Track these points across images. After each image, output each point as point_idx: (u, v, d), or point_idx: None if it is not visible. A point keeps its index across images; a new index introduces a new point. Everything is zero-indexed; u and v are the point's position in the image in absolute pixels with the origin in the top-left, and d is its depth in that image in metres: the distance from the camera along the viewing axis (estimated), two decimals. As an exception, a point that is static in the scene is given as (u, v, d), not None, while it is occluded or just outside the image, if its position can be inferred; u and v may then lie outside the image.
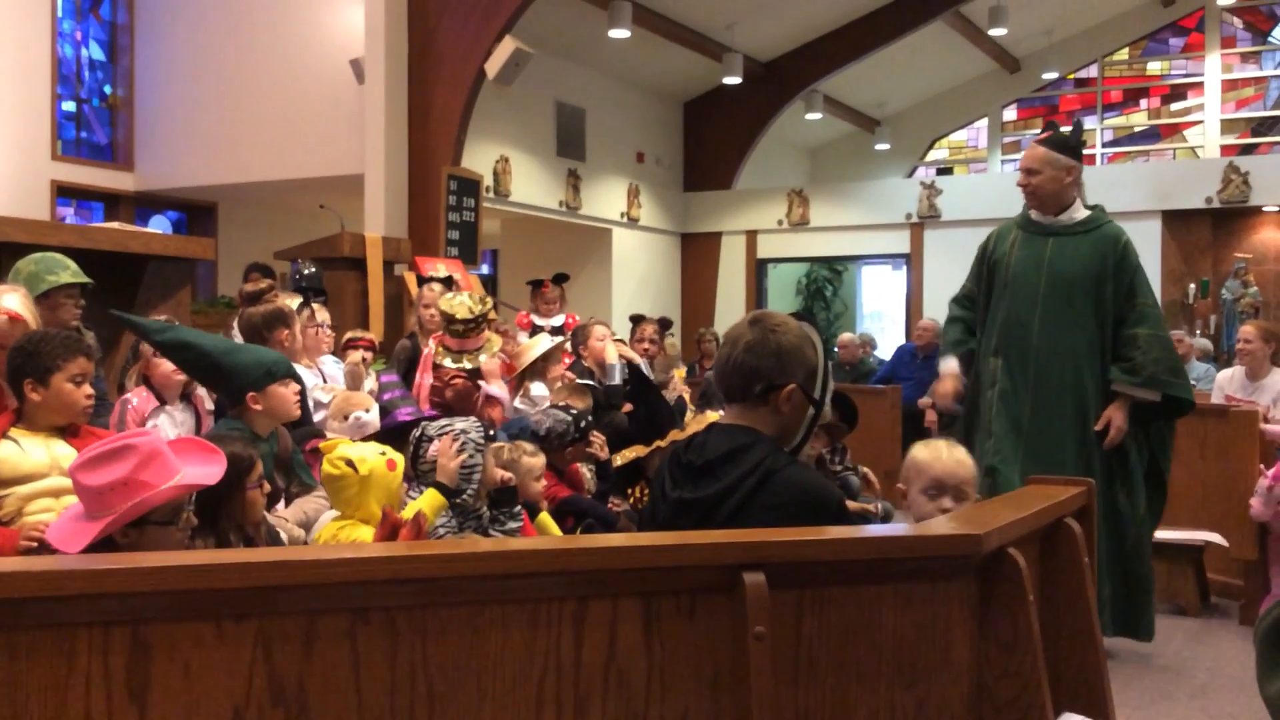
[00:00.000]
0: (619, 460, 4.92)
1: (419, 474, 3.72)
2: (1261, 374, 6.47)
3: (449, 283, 6.41)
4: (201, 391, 4.54)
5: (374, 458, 3.38)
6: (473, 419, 3.92)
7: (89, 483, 2.54)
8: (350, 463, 3.35)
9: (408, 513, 3.43)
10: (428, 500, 3.51)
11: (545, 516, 4.18)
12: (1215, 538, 5.73)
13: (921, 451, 2.81)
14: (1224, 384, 6.77)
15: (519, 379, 5.45)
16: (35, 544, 2.82)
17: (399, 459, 3.49)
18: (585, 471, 4.87)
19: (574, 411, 4.71)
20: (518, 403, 5.35)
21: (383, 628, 1.64)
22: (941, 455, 2.79)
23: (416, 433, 3.83)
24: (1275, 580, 5.41)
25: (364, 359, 6.09)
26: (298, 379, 3.86)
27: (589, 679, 1.73)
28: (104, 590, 1.54)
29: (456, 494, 3.60)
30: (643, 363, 6.20)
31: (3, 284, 4.12)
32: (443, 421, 3.85)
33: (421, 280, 6.44)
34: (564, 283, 7.39)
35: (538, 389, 5.45)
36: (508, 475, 3.80)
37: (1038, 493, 2.41)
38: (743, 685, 1.74)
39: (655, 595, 1.75)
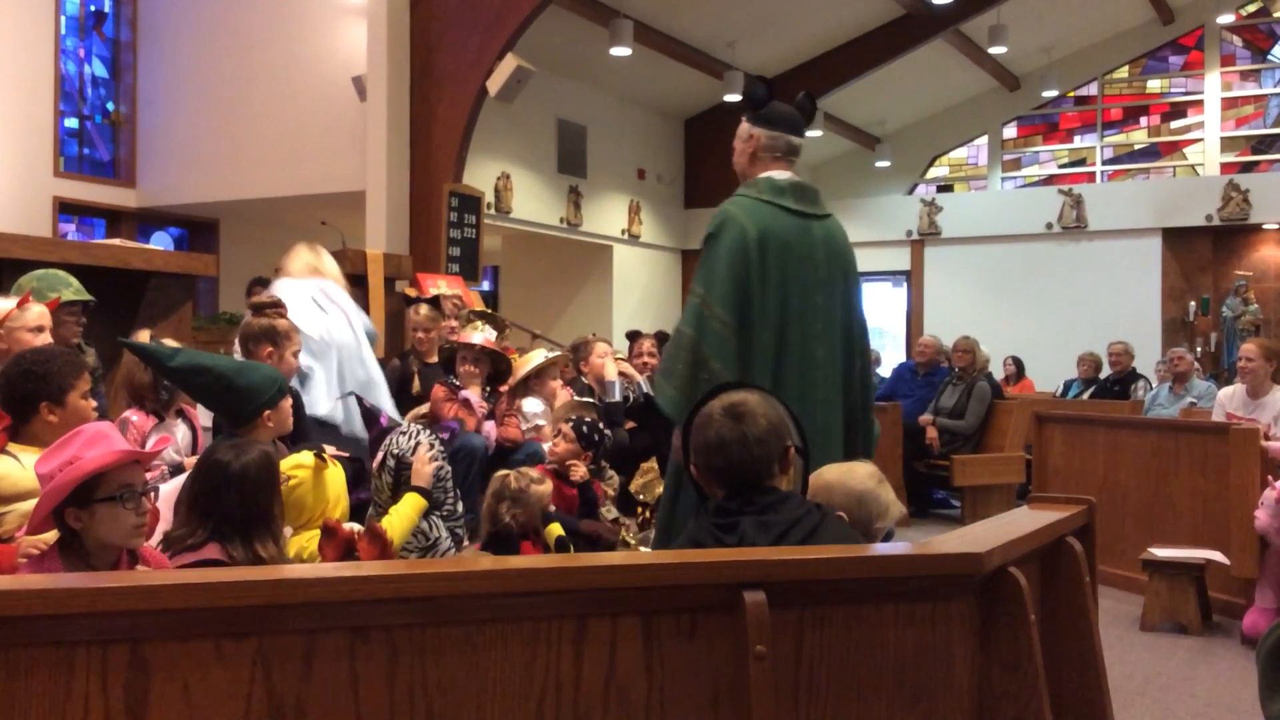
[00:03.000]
0: (639, 485, 4.97)
1: (396, 489, 3.79)
2: (1262, 392, 6.46)
3: (435, 302, 6.41)
4: (199, 408, 4.55)
5: (309, 460, 3.45)
6: (428, 431, 3.97)
7: (42, 471, 2.63)
8: (298, 466, 3.44)
9: (390, 518, 3.48)
10: (409, 503, 3.58)
11: (553, 527, 4.23)
12: (1217, 556, 5.72)
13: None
14: (1225, 402, 6.76)
15: (511, 394, 5.46)
16: (27, 561, 2.82)
17: (326, 460, 3.55)
18: (607, 490, 4.91)
19: (588, 420, 4.80)
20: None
21: (382, 647, 1.64)
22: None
23: (380, 455, 3.89)
24: (1260, 595, 5.42)
25: None
26: (294, 393, 3.89)
27: (589, 698, 1.72)
28: (103, 609, 1.54)
29: (432, 496, 3.69)
30: (642, 380, 6.21)
31: (14, 297, 4.14)
32: (403, 439, 3.90)
33: (408, 301, 6.44)
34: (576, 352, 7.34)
35: (530, 405, 5.45)
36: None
37: (1038, 512, 2.41)
38: (743, 705, 1.74)
39: (655, 614, 1.75)
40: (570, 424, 4.78)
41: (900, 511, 2.80)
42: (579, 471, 4.61)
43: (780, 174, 3.49)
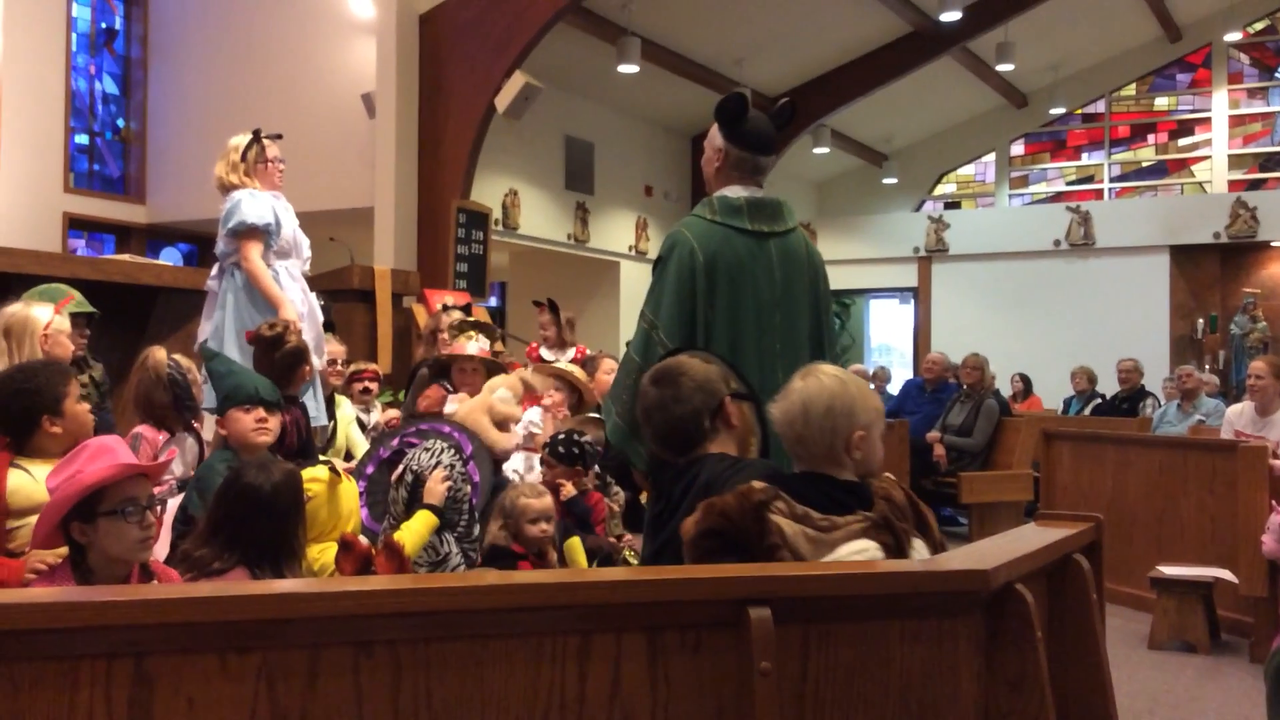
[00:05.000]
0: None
1: (411, 505, 3.78)
2: (1271, 409, 6.44)
3: (468, 310, 6.39)
4: (207, 421, 4.56)
5: (324, 473, 3.46)
6: (454, 450, 3.93)
7: (51, 484, 2.66)
8: (313, 480, 3.44)
9: (402, 533, 3.48)
10: (421, 519, 3.59)
11: (574, 541, 4.21)
12: (1225, 574, 5.69)
13: None
14: (1233, 419, 6.74)
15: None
16: (37, 577, 2.82)
17: (340, 469, 3.57)
18: (612, 506, 4.88)
19: (579, 436, 4.76)
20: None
21: (386, 661, 1.64)
22: None
23: (400, 469, 3.88)
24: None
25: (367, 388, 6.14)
26: (272, 409, 3.83)
27: (593, 714, 1.71)
28: (108, 622, 1.54)
29: (445, 514, 3.69)
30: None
31: (33, 303, 4.19)
32: (425, 455, 3.88)
33: (445, 308, 6.41)
34: (555, 311, 7.25)
35: (531, 412, 5.40)
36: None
37: (1046, 529, 2.40)
38: (748, 722, 1.73)
39: (660, 630, 1.74)
40: (545, 449, 4.75)
41: None
42: (566, 490, 4.57)
43: (737, 192, 3.42)
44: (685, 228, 3.38)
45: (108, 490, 2.60)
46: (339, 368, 5.94)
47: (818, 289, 3.47)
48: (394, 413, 6.06)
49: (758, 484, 2.23)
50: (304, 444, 4.29)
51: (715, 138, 3.48)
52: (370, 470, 4.14)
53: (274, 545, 2.91)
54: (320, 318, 5.25)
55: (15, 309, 4.07)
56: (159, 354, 4.35)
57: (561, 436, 4.74)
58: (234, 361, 4.16)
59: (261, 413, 3.77)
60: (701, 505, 2.22)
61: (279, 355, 4.31)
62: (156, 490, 2.96)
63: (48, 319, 4.05)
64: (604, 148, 13.74)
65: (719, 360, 2.78)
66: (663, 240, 3.43)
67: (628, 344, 3.48)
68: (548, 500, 4.09)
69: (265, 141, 5.19)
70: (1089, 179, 16.80)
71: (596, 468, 4.82)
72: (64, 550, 2.72)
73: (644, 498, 4.90)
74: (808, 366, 2.44)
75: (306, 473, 3.50)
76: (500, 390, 4.97)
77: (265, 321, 4.56)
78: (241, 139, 5.18)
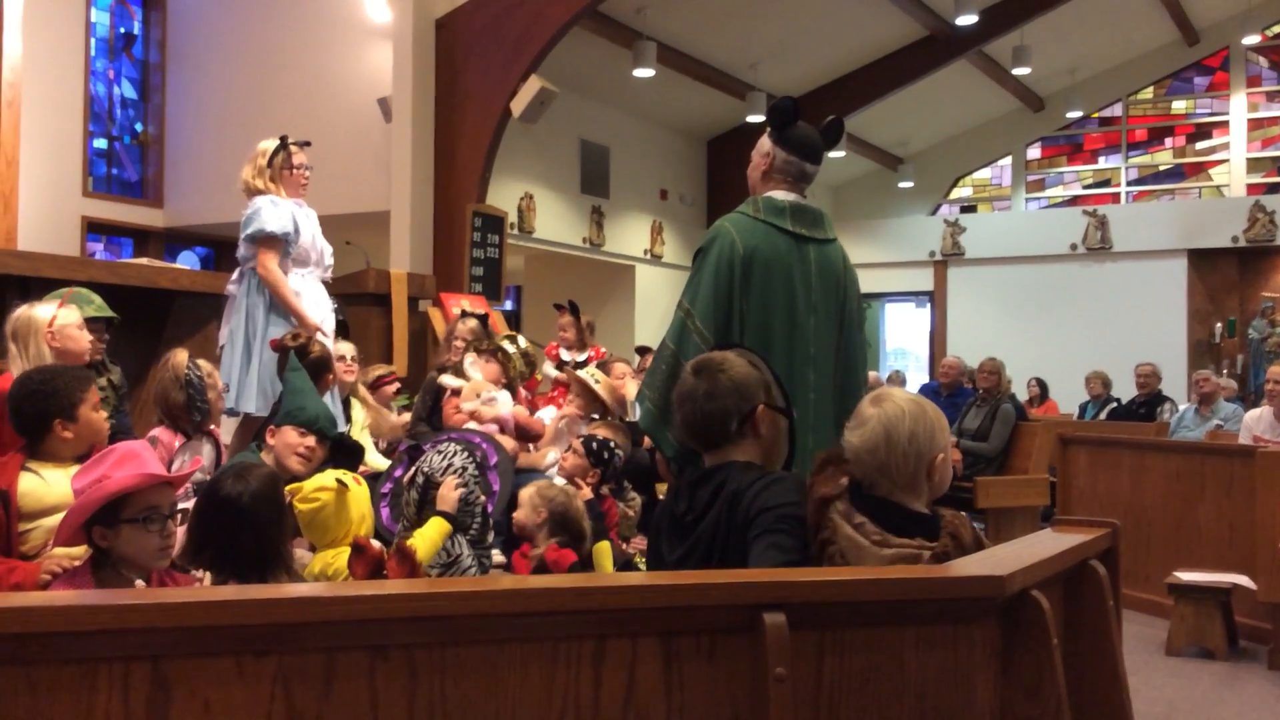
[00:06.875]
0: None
1: (421, 507, 3.79)
2: (1290, 414, 6.41)
3: (484, 320, 6.41)
4: (225, 425, 4.59)
5: (332, 481, 3.47)
6: (467, 453, 3.94)
7: (76, 486, 2.70)
8: (321, 489, 3.46)
9: (414, 540, 3.48)
10: (434, 527, 3.59)
11: (603, 545, 4.21)
12: (1243, 580, 5.66)
13: None
14: (1252, 424, 6.71)
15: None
16: (53, 578, 2.84)
17: (348, 477, 3.57)
18: (627, 511, 4.88)
19: (615, 446, 4.78)
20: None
21: (402, 666, 1.64)
22: None
23: (411, 471, 3.89)
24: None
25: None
26: (323, 443, 3.90)
27: None
28: (126, 626, 1.55)
29: (458, 520, 3.69)
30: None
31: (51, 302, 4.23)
32: (437, 458, 3.89)
33: (463, 314, 6.43)
34: (576, 313, 7.26)
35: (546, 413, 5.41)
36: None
37: (1062, 534, 2.39)
38: (763, 727, 1.73)
39: (675, 635, 1.74)
40: (581, 440, 4.78)
41: None
42: (583, 493, 4.57)
43: (783, 194, 3.46)
44: (728, 221, 3.42)
45: (131, 497, 2.61)
46: (349, 363, 5.93)
47: (846, 305, 3.47)
48: (407, 416, 6.07)
49: (829, 481, 2.28)
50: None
51: (763, 143, 3.52)
52: (398, 473, 4.16)
53: (260, 556, 2.89)
54: (332, 323, 5.29)
55: (19, 311, 4.11)
56: (180, 355, 4.40)
57: (601, 437, 4.78)
58: (311, 385, 4.19)
59: (313, 442, 3.82)
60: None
61: (303, 364, 4.34)
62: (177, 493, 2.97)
63: (50, 315, 4.08)
64: (619, 152, 13.75)
65: (766, 367, 2.74)
66: (707, 233, 3.46)
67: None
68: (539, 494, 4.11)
69: (292, 148, 5.23)
70: (1106, 183, 16.74)
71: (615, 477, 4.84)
72: (82, 550, 2.74)
73: (660, 492, 4.93)
74: (879, 391, 2.43)
75: (314, 481, 3.50)
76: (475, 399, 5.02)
77: (289, 332, 4.61)
78: (270, 143, 5.21)
